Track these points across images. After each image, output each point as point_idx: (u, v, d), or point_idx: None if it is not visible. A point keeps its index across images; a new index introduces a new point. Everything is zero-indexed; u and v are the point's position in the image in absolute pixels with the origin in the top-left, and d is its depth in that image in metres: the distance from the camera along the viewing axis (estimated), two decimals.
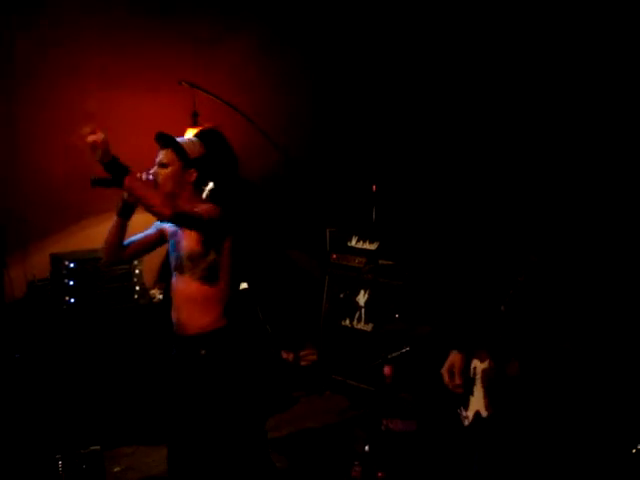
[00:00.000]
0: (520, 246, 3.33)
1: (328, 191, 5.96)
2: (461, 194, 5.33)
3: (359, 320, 5.47)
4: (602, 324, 3.54)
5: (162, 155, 3.28)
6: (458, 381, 3.27)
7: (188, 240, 3.19)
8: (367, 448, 4.06)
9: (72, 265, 4.59)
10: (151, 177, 3.24)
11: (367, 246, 5.48)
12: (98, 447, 4.03)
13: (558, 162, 4.51)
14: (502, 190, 4.76)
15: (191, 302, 3.22)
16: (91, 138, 3.05)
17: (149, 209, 3.05)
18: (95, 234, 5.16)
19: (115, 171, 3.07)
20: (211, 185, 3.32)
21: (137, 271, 4.80)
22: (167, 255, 3.43)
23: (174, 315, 3.31)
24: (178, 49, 5.37)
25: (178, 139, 3.31)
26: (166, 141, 3.29)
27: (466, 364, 3.37)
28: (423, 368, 4.42)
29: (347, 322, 5.54)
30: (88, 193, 5.10)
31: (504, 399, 3.31)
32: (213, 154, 3.30)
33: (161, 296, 5.02)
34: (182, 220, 3.14)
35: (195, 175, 3.25)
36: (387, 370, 4.32)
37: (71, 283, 4.59)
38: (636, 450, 3.23)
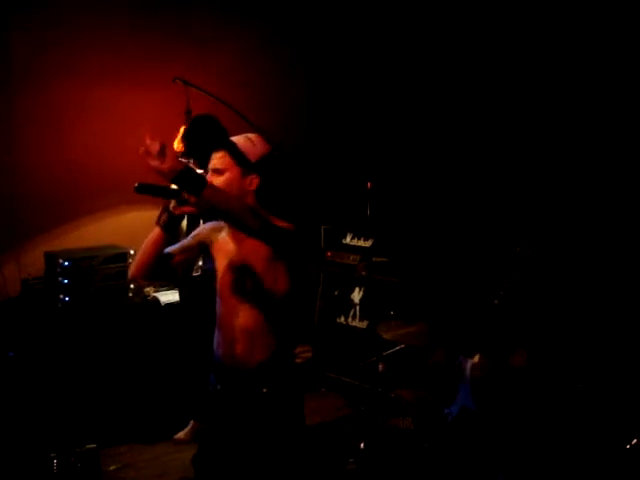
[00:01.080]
0: (514, 240, 3.35)
1: (323, 188, 5.96)
2: (455, 191, 5.34)
3: (354, 317, 5.47)
4: (596, 317, 3.55)
5: (216, 159, 2.75)
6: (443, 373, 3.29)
7: (258, 262, 2.69)
8: (362, 445, 4.07)
9: (66, 263, 4.58)
10: None
11: (362, 243, 5.48)
12: (94, 445, 4.02)
13: (551, 157, 4.53)
14: (495, 186, 4.77)
15: (251, 333, 2.74)
16: (155, 147, 2.37)
17: (239, 223, 2.60)
18: (89, 232, 5.18)
19: (189, 181, 2.44)
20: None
21: None
22: (185, 267, 2.93)
23: (225, 346, 2.81)
24: (173, 47, 5.36)
25: (234, 138, 2.78)
26: (219, 142, 2.79)
27: (455, 359, 3.38)
28: (417, 365, 4.43)
29: (342, 319, 5.54)
30: (82, 191, 5.16)
31: (494, 394, 3.33)
32: (276, 152, 2.79)
33: (155, 294, 5.01)
34: (270, 234, 2.64)
35: (257, 181, 2.74)
36: (382, 367, 4.33)
37: (65, 281, 4.58)
38: (630, 446, 3.25)
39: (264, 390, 2.75)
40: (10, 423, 4.23)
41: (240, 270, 2.72)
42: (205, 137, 4.34)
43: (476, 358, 3.45)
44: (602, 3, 4.55)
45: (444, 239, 5.13)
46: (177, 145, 4.89)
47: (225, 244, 2.79)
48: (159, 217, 2.69)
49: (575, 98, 4.60)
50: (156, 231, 2.70)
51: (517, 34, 5.00)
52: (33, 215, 4.93)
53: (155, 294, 5.01)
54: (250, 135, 2.80)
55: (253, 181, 2.72)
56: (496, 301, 3.36)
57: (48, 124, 4.96)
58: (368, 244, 5.43)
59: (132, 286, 4.81)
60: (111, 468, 4.35)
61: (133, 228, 5.29)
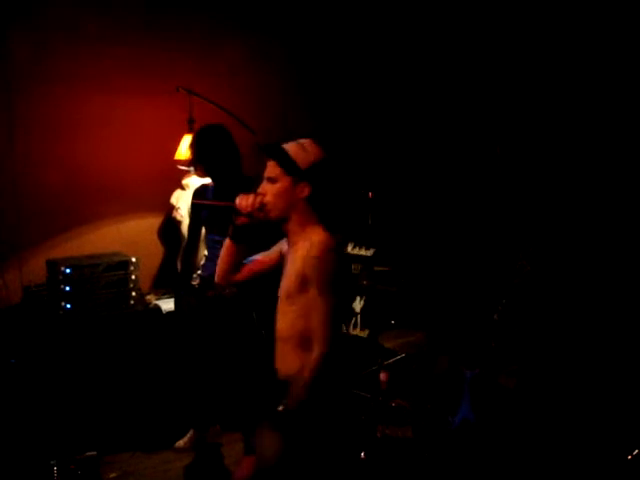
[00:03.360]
0: (514, 254, 3.35)
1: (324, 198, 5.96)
2: (456, 201, 5.36)
3: (355, 326, 5.48)
4: (596, 332, 3.55)
5: (269, 168, 2.77)
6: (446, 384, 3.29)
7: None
8: (362, 455, 4.06)
9: (68, 271, 4.59)
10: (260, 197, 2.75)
11: (363, 252, 5.49)
12: (94, 453, 4.03)
13: (551, 171, 4.54)
14: (496, 198, 4.78)
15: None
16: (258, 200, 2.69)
17: None
18: (91, 240, 5.19)
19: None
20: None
21: (133, 277, 4.80)
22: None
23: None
24: (174, 55, 5.38)
25: (286, 145, 2.78)
26: (269, 151, 2.78)
27: (457, 370, 3.39)
28: (418, 375, 4.44)
29: (343, 328, 5.54)
30: (84, 199, 5.17)
31: (491, 406, 3.33)
32: (329, 160, 2.79)
33: (157, 302, 5.02)
34: None
35: (307, 190, 2.74)
36: (383, 376, 4.32)
37: (67, 289, 4.58)
38: (632, 456, 3.25)
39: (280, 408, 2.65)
40: (11, 430, 4.23)
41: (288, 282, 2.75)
42: (213, 146, 4.37)
43: (476, 371, 3.45)
44: (601, 3, 4.57)
45: (445, 249, 5.14)
46: (185, 153, 4.92)
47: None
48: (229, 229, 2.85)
49: (576, 113, 4.61)
50: (227, 242, 2.88)
51: (517, 44, 5.02)
52: (35, 222, 4.93)
53: (157, 302, 5.02)
54: (303, 141, 2.81)
55: (304, 189, 2.73)
56: (495, 316, 3.36)
57: (50, 132, 4.97)
58: (369, 253, 5.44)
59: (134, 294, 4.82)
60: (111, 476, 4.34)
61: (135, 236, 5.32)
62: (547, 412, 3.37)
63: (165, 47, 5.33)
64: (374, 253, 5.39)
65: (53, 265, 4.67)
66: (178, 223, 5.14)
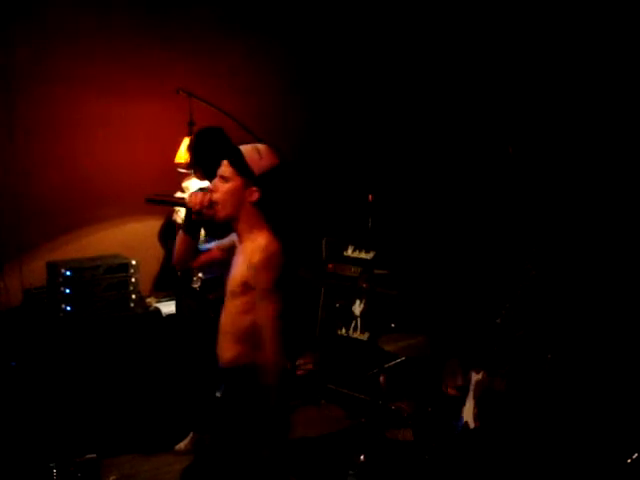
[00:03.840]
0: (518, 258, 3.34)
1: (324, 200, 5.97)
2: (458, 203, 5.35)
3: (355, 329, 5.47)
4: (599, 336, 3.55)
5: (223, 166, 2.85)
6: (460, 382, 3.28)
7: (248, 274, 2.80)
8: (363, 457, 4.06)
9: (68, 273, 4.59)
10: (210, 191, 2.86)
11: (363, 255, 5.49)
12: (94, 455, 4.02)
13: (555, 175, 4.53)
14: (500, 201, 4.77)
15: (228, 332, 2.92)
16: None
17: None
18: (91, 242, 5.19)
19: None
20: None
21: (133, 279, 4.80)
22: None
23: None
24: (175, 58, 5.39)
25: (244, 147, 2.84)
26: (226, 151, 2.88)
27: (464, 373, 3.38)
28: (418, 377, 4.43)
29: (343, 331, 5.54)
30: (85, 201, 5.17)
31: (492, 412, 3.32)
32: (282, 168, 2.84)
33: (157, 305, 5.03)
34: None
35: (257, 195, 2.79)
36: (383, 379, 4.33)
37: (67, 291, 4.58)
38: (631, 460, 3.24)
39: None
40: (11, 432, 4.23)
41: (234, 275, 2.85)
42: (211, 149, 4.37)
43: (480, 375, 3.44)
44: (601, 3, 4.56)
45: (445, 252, 5.14)
46: (185, 156, 4.92)
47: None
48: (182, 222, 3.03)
49: (580, 119, 4.60)
50: (180, 233, 3.04)
51: (530, 38, 4.99)
52: (35, 224, 4.94)
53: (157, 305, 5.02)
54: (259, 146, 2.85)
55: (253, 194, 2.79)
56: (498, 320, 3.35)
57: (50, 133, 4.98)
58: (369, 256, 5.44)
59: (134, 296, 4.82)
60: (111, 478, 4.33)
61: (135, 238, 5.32)
62: (547, 415, 3.37)
63: (165, 48, 5.35)
64: (374, 256, 5.39)
65: (53, 267, 4.68)
66: (178, 226, 5.13)
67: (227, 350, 2.87)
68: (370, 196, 5.19)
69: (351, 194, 5.66)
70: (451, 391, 3.37)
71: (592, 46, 4.60)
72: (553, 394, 3.38)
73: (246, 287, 2.76)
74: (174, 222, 5.17)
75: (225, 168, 2.83)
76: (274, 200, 2.84)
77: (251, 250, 2.77)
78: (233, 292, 2.82)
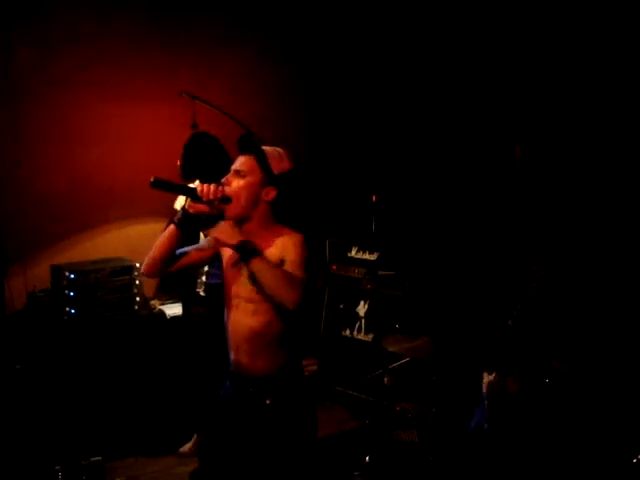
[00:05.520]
0: (526, 258, 3.32)
1: (328, 201, 5.97)
2: (463, 203, 5.34)
3: (359, 330, 5.47)
4: (610, 338, 3.53)
5: (241, 162, 2.77)
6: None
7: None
8: (367, 459, 4.05)
9: (72, 276, 4.60)
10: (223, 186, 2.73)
11: (367, 256, 5.48)
12: (99, 458, 4.02)
13: (564, 175, 4.51)
14: (507, 200, 4.75)
15: (257, 341, 2.78)
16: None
17: (277, 298, 2.64)
18: (95, 245, 5.20)
19: (246, 250, 2.65)
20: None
21: (137, 282, 4.80)
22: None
23: (233, 353, 2.86)
24: (178, 61, 5.40)
25: (265, 147, 2.81)
26: (249, 146, 2.80)
27: (478, 374, 3.36)
28: (424, 379, 4.42)
29: (347, 332, 5.54)
30: (88, 205, 5.18)
31: (505, 413, 3.31)
32: (297, 171, 2.82)
33: (161, 307, 5.03)
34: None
35: (273, 194, 2.75)
36: (387, 380, 4.32)
37: (71, 294, 4.59)
38: (637, 460, 3.23)
39: (267, 401, 2.77)
40: (16, 435, 4.24)
41: (251, 277, 2.71)
42: (204, 155, 4.37)
43: (492, 376, 3.42)
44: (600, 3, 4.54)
45: (450, 253, 5.13)
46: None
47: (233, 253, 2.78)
48: (175, 215, 2.75)
49: (587, 119, 4.58)
50: (170, 228, 2.76)
51: (538, 36, 4.97)
52: (39, 228, 4.95)
53: (161, 307, 5.02)
54: (279, 149, 2.84)
55: (270, 192, 2.75)
56: (510, 322, 3.33)
57: (54, 138, 5.00)
58: (373, 257, 5.43)
59: (138, 299, 4.82)
60: None
61: (139, 241, 5.31)
62: (558, 417, 3.36)
63: (168, 52, 5.36)
64: (378, 257, 5.39)
65: (57, 270, 4.68)
66: (170, 221, 5.12)
67: (260, 358, 2.76)
68: (374, 196, 5.19)
69: (355, 195, 5.66)
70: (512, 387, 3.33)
71: (609, 42, 4.58)
72: (564, 396, 3.37)
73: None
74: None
75: (244, 163, 2.75)
76: (287, 202, 2.81)
77: (282, 246, 2.72)
78: (250, 298, 2.73)
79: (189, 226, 2.74)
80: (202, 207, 2.69)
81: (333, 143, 6.23)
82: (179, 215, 2.73)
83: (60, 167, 5.04)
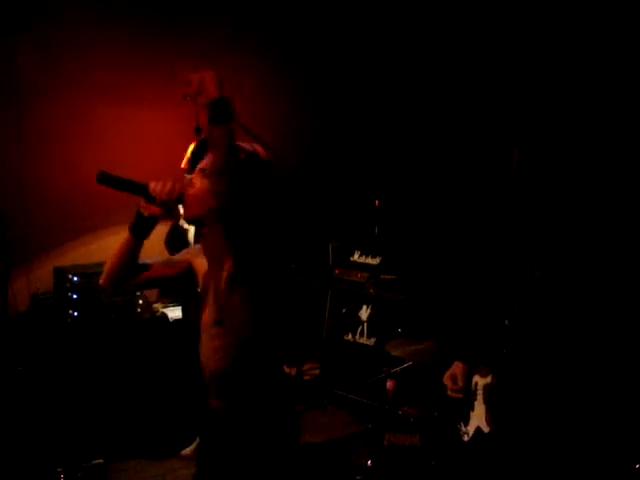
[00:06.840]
0: (524, 260, 3.33)
1: (331, 206, 5.97)
2: (464, 208, 5.35)
3: (361, 335, 5.47)
4: (608, 337, 3.53)
5: (210, 160, 2.47)
6: (460, 383, 3.25)
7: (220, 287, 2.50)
8: (369, 463, 4.05)
9: (76, 279, 4.60)
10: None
11: (370, 261, 5.49)
12: (101, 460, 4.03)
13: (562, 177, 4.51)
14: (506, 204, 4.76)
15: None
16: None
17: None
18: (99, 248, 5.20)
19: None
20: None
21: None
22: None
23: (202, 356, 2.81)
24: (181, 62, 5.40)
25: (241, 143, 2.59)
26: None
27: (468, 377, 3.36)
28: (426, 383, 4.42)
29: (349, 337, 5.54)
30: (92, 207, 5.18)
31: (505, 415, 3.31)
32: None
33: (163, 310, 5.03)
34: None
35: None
36: (389, 385, 4.32)
37: (75, 296, 4.59)
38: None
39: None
40: (18, 437, 4.24)
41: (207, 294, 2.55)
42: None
43: (489, 378, 3.43)
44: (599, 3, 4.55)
45: (452, 257, 5.13)
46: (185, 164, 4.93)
47: (203, 266, 2.53)
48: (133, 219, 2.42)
49: (588, 121, 4.59)
50: (126, 236, 2.41)
51: (528, 50, 4.99)
52: (43, 230, 4.96)
53: (163, 310, 5.02)
54: (256, 146, 2.63)
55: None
56: (507, 322, 3.34)
57: (58, 140, 5.00)
58: (376, 261, 5.44)
59: (141, 302, 4.82)
60: None
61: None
62: (557, 418, 3.35)
63: (172, 54, 5.36)
64: (381, 261, 5.39)
65: (61, 273, 4.69)
66: (185, 231, 5.14)
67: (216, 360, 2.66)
68: (377, 201, 5.20)
69: (358, 199, 5.67)
70: (453, 394, 3.35)
71: (607, 46, 4.58)
72: (564, 397, 3.37)
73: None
74: (181, 228, 5.18)
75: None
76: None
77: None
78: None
79: (143, 231, 2.39)
80: (155, 209, 2.37)
81: (336, 147, 6.24)
82: (134, 218, 2.40)
83: (64, 169, 5.04)
